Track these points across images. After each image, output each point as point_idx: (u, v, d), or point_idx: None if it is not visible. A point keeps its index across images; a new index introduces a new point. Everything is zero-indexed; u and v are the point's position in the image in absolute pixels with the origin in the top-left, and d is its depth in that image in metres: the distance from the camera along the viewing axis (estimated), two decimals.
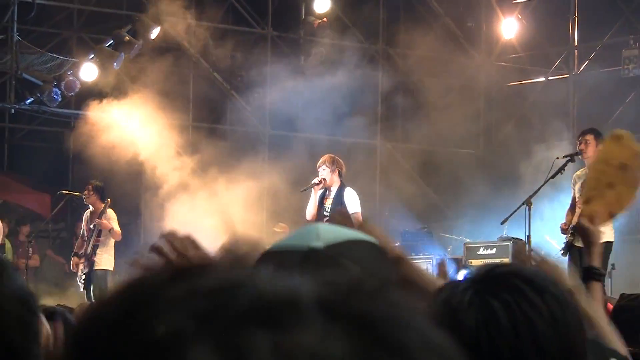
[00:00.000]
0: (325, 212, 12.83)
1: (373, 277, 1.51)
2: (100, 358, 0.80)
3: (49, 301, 7.17)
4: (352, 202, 12.78)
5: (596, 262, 3.77)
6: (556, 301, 1.94)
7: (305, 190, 13.48)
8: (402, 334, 0.78)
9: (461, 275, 11.36)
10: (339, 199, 12.75)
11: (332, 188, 12.84)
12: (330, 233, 1.73)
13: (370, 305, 0.80)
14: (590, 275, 3.63)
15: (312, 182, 13.03)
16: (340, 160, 13.13)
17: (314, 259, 1.66)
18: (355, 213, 12.51)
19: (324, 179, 12.83)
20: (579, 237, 4.35)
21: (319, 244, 1.68)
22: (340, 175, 12.95)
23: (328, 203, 12.87)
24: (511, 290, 1.92)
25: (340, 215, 3.20)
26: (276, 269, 0.82)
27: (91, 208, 14.82)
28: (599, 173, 9.48)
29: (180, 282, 0.80)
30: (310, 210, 13.01)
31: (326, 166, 12.86)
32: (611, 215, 5.02)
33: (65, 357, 0.85)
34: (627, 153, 9.48)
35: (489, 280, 1.98)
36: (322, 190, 12.94)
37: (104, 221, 14.38)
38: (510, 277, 1.95)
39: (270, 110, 18.72)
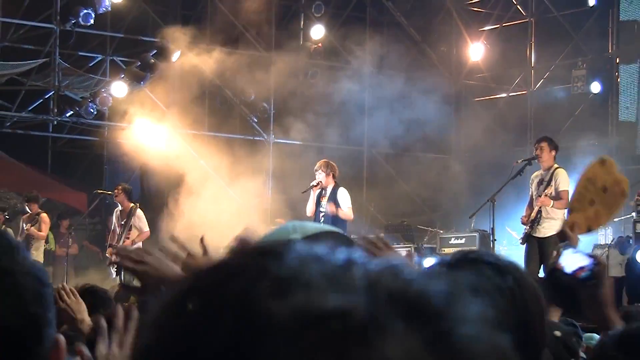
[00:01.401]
0: (321, 209, 12.83)
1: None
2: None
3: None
4: (344, 200, 12.80)
5: None
6: (515, 281, 1.91)
7: (305, 191, 13.47)
8: (464, 334, 0.73)
9: (430, 262, 11.52)
10: (333, 197, 12.75)
11: (327, 188, 12.78)
12: (305, 227, 1.71)
13: (441, 303, 0.75)
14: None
15: (311, 185, 12.98)
16: (334, 165, 13.08)
17: None
18: (347, 209, 12.75)
19: (320, 182, 12.84)
20: (559, 237, 4.24)
21: (296, 236, 1.66)
22: (334, 177, 12.91)
23: (324, 201, 12.83)
24: (477, 270, 1.91)
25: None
26: None
27: (120, 207, 14.77)
28: (584, 189, 9.65)
29: (284, 296, 0.72)
30: (310, 207, 12.93)
31: (322, 170, 12.80)
32: (588, 229, 4.90)
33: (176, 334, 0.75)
34: (610, 178, 9.69)
35: (458, 265, 1.96)
36: (319, 191, 12.90)
37: (133, 230, 14.33)
38: (475, 261, 1.93)
39: (274, 120, 18.76)
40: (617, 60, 19.00)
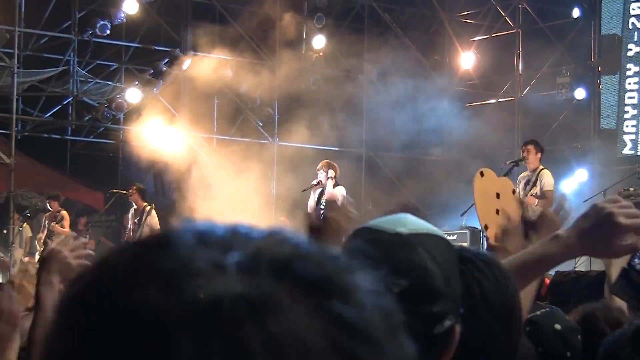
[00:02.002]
0: (321, 206, 12.51)
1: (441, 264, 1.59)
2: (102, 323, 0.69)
3: None
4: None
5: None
6: (498, 268, 1.92)
7: (305, 190, 13.48)
8: (355, 298, 0.72)
9: None
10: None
11: (327, 187, 12.81)
12: (415, 224, 1.69)
13: (329, 275, 0.73)
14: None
15: (312, 183, 13.01)
16: (335, 165, 13.08)
17: (398, 242, 1.60)
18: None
19: (320, 181, 12.84)
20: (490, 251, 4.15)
21: (404, 230, 1.64)
22: (335, 175, 12.90)
23: (324, 199, 12.72)
24: (466, 261, 1.88)
25: (330, 202, 3.36)
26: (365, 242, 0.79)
27: (134, 206, 14.89)
28: (483, 205, 9.72)
29: (177, 289, 0.69)
30: (311, 204, 12.92)
31: (323, 170, 12.80)
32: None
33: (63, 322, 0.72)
34: (495, 184, 9.80)
35: None
36: (320, 189, 12.90)
37: (149, 222, 14.42)
38: (465, 252, 1.91)
39: (278, 124, 18.73)
40: (599, 69, 19.03)
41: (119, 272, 0.72)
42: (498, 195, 8.94)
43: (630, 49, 18.27)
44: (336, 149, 18.55)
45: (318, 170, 13.01)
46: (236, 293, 0.69)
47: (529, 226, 2.59)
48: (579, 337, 3.23)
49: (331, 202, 3.09)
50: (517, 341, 1.92)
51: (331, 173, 12.78)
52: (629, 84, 18.26)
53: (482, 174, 9.81)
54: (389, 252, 1.58)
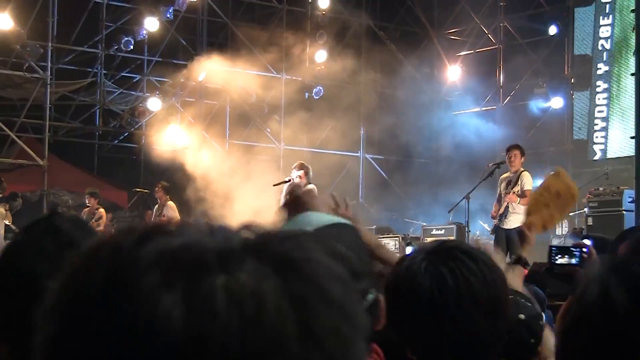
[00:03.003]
0: None
1: (340, 248, 1.51)
2: (90, 311, 0.69)
3: None
4: None
5: (524, 254, 3.70)
6: (485, 266, 1.87)
7: (277, 184, 13.01)
8: (312, 267, 0.72)
9: (409, 250, 11.50)
10: None
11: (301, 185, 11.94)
12: (320, 219, 1.65)
13: (288, 248, 0.72)
14: (519, 261, 3.61)
15: (284, 180, 12.56)
16: (308, 166, 12.49)
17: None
18: None
19: (292, 178, 12.18)
20: (519, 236, 4.07)
21: (310, 228, 1.60)
22: (307, 175, 12.22)
23: None
24: (454, 259, 1.85)
25: (295, 185, 3.25)
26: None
27: (159, 201, 14.79)
28: (540, 196, 9.69)
29: (151, 242, 0.71)
30: (282, 200, 12.57)
31: (297, 169, 12.33)
32: (544, 228, 4.84)
33: (54, 315, 0.72)
34: (563, 185, 9.69)
35: (439, 252, 1.90)
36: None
37: (166, 213, 14.20)
38: (454, 250, 1.89)
39: (284, 130, 18.70)
40: (572, 80, 19.01)
41: (108, 239, 0.75)
42: (558, 195, 8.89)
43: (600, 68, 18.22)
44: (336, 152, 18.58)
45: (292, 169, 12.58)
46: (207, 247, 0.71)
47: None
48: (541, 322, 3.16)
49: (296, 185, 3.10)
50: (503, 332, 1.88)
51: (301, 173, 12.55)
52: (599, 99, 18.22)
53: (557, 174, 9.81)
54: None
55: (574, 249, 2.88)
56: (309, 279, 0.72)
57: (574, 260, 2.84)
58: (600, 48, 18.26)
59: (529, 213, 5.41)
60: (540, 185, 9.81)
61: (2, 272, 1.72)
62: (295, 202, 2.85)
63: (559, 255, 2.94)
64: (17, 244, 1.81)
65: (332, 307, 0.71)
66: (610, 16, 18.06)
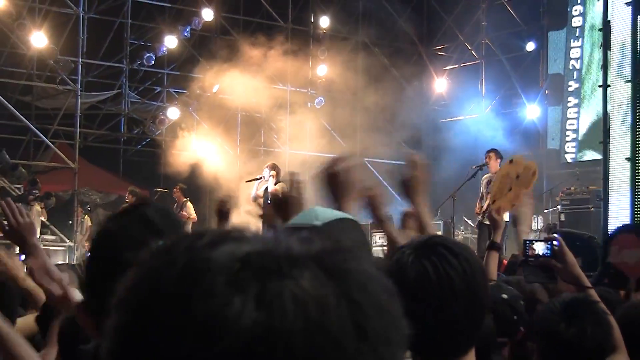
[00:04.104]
0: (268, 200, 12.26)
1: (348, 243, 1.59)
2: (168, 304, 0.68)
3: None
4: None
5: (498, 239, 3.68)
6: (465, 261, 1.82)
7: (249, 181, 13.04)
8: (365, 276, 0.71)
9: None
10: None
11: (269, 184, 12.24)
12: (325, 214, 1.61)
13: (344, 259, 0.72)
14: (493, 246, 3.63)
15: (256, 177, 12.61)
16: (279, 167, 12.58)
17: (314, 233, 1.57)
18: None
19: (263, 176, 12.38)
20: (489, 221, 4.08)
21: (317, 222, 1.57)
22: (277, 175, 12.28)
23: (267, 193, 12.09)
24: (437, 254, 1.81)
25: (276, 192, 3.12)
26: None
27: (177, 201, 14.73)
28: (501, 184, 9.57)
29: (222, 246, 0.70)
30: (252, 194, 12.46)
31: (268, 169, 12.43)
32: (512, 205, 4.64)
33: (131, 309, 0.70)
34: (520, 168, 9.55)
35: (424, 247, 1.86)
36: (265, 185, 12.29)
37: (184, 213, 14.20)
38: (437, 245, 1.84)
39: (289, 136, 18.70)
40: (547, 92, 18.98)
41: (180, 237, 0.75)
42: (518, 176, 8.76)
43: (571, 85, 18.20)
44: (335, 155, 18.54)
45: (264, 168, 12.57)
46: (274, 253, 0.70)
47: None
48: (522, 302, 3.21)
49: (280, 192, 2.94)
50: (480, 322, 1.87)
51: (273, 173, 12.35)
52: (570, 113, 18.22)
53: (512, 161, 9.63)
54: None
55: (545, 242, 2.92)
56: (363, 288, 0.71)
57: (546, 252, 2.92)
58: (571, 68, 18.29)
59: (494, 200, 5.38)
60: (498, 174, 9.64)
61: (94, 259, 1.69)
62: (290, 201, 2.82)
63: (532, 248, 3.01)
64: (108, 231, 1.74)
65: (383, 314, 0.71)
66: (580, 39, 18.12)
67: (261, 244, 0.72)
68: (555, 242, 2.82)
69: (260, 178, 12.53)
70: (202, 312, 0.67)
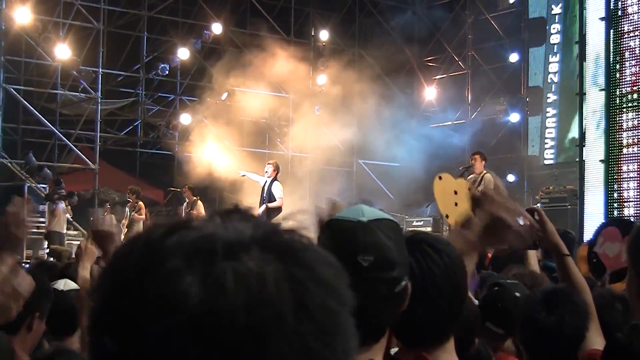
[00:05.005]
0: (263, 196, 12.06)
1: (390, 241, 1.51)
2: (127, 287, 0.69)
3: None
4: (277, 192, 11.99)
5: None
6: (447, 257, 1.80)
7: (244, 175, 13.07)
8: (306, 254, 0.71)
9: None
10: (269, 188, 12.05)
11: (268, 181, 12.10)
12: (370, 212, 1.58)
13: (289, 240, 0.72)
14: None
15: (241, 173, 13.04)
16: (279, 166, 12.54)
17: (361, 228, 1.52)
18: (279, 198, 11.91)
19: (266, 172, 12.22)
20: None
21: (364, 218, 1.54)
22: (277, 173, 12.18)
23: (265, 191, 12.08)
24: (421, 251, 1.79)
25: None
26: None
27: (187, 200, 14.65)
28: (444, 201, 9.40)
29: (175, 234, 0.71)
30: (256, 179, 12.60)
31: (272, 166, 12.31)
32: (468, 222, 4.57)
33: (100, 289, 0.72)
34: (453, 184, 9.48)
35: (408, 243, 1.74)
36: (264, 182, 12.19)
37: (194, 211, 14.04)
38: (421, 243, 1.81)
39: (291, 140, 18.74)
40: (527, 100, 19.00)
41: (140, 233, 0.75)
42: (456, 192, 8.77)
43: (549, 97, 18.25)
44: (335, 158, 18.59)
45: (267, 164, 12.47)
46: (220, 238, 0.71)
47: (476, 203, 2.43)
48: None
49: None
50: (460, 312, 1.85)
51: (272, 172, 12.23)
52: (549, 122, 18.26)
53: (440, 178, 9.54)
54: (357, 236, 1.51)
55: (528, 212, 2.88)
56: (304, 264, 0.71)
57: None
58: (549, 81, 18.34)
59: (447, 216, 5.13)
60: (435, 194, 9.29)
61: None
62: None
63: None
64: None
65: (326, 289, 0.71)
66: (558, 54, 18.16)
67: (211, 229, 0.72)
68: (535, 213, 2.79)
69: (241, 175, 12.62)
70: (155, 293, 0.68)
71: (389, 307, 1.52)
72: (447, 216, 8.87)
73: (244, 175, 13.32)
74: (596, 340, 2.43)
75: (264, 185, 12.15)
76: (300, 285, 0.70)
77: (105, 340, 0.70)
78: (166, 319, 0.67)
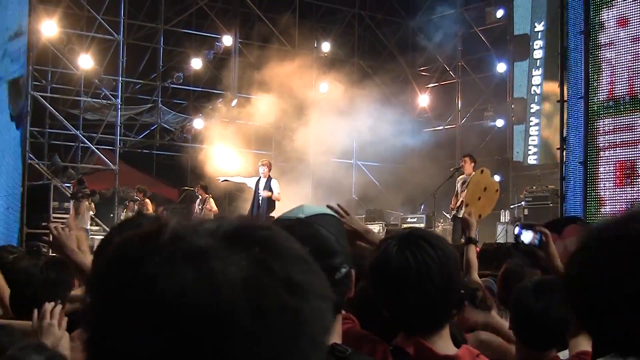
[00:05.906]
0: (259, 192, 12.05)
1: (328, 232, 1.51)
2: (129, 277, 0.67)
3: None
4: (275, 187, 12.04)
5: (472, 235, 3.63)
6: (442, 251, 1.79)
7: (225, 181, 12.89)
8: (274, 245, 0.70)
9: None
10: (267, 184, 12.09)
11: (265, 179, 12.20)
12: (309, 209, 1.56)
13: (256, 232, 0.71)
14: (469, 241, 3.60)
15: (220, 180, 12.80)
16: (271, 164, 12.55)
17: (299, 223, 1.50)
18: (277, 193, 11.95)
19: (262, 172, 12.20)
20: (461, 222, 3.98)
21: (302, 215, 1.53)
22: (269, 171, 12.26)
23: (260, 188, 12.03)
24: (417, 246, 1.78)
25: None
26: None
27: (200, 197, 14.69)
28: (473, 191, 9.54)
29: (148, 240, 0.69)
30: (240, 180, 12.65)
31: (264, 165, 12.37)
32: (479, 216, 4.54)
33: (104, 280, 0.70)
34: (488, 182, 9.46)
35: (407, 240, 1.82)
36: (257, 179, 12.13)
37: (207, 207, 14.18)
38: (417, 238, 1.81)
39: (296, 143, 18.56)
40: (513, 107, 18.96)
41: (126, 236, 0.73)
42: (485, 189, 8.74)
43: (532, 107, 18.23)
44: (335, 159, 18.54)
45: (261, 165, 12.36)
46: (196, 245, 0.69)
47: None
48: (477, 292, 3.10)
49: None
50: (454, 302, 1.84)
51: (267, 170, 12.23)
52: (532, 131, 18.26)
53: (482, 171, 9.53)
54: (294, 231, 1.43)
55: (534, 232, 2.80)
56: (273, 252, 0.70)
57: (532, 241, 2.79)
58: (532, 92, 18.32)
59: (467, 204, 5.26)
60: (471, 181, 9.35)
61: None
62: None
63: (524, 235, 2.83)
64: (108, 242, 1.76)
65: (283, 285, 0.69)
66: (540, 68, 18.13)
67: (181, 232, 0.71)
68: (544, 236, 2.76)
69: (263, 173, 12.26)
70: (129, 297, 0.67)
71: (334, 293, 1.60)
72: (466, 205, 8.82)
73: (225, 181, 13.21)
74: (584, 343, 2.42)
75: (258, 182, 12.08)
76: (261, 287, 0.67)
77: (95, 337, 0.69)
78: (141, 320, 0.65)
